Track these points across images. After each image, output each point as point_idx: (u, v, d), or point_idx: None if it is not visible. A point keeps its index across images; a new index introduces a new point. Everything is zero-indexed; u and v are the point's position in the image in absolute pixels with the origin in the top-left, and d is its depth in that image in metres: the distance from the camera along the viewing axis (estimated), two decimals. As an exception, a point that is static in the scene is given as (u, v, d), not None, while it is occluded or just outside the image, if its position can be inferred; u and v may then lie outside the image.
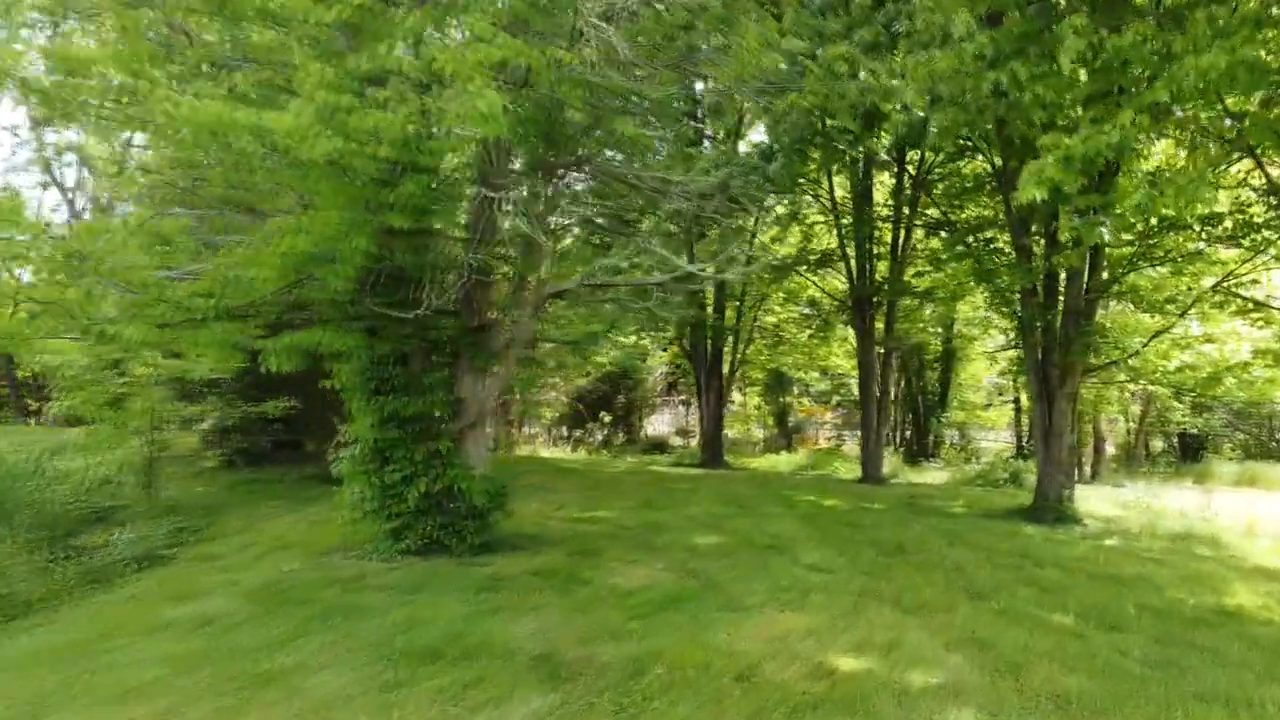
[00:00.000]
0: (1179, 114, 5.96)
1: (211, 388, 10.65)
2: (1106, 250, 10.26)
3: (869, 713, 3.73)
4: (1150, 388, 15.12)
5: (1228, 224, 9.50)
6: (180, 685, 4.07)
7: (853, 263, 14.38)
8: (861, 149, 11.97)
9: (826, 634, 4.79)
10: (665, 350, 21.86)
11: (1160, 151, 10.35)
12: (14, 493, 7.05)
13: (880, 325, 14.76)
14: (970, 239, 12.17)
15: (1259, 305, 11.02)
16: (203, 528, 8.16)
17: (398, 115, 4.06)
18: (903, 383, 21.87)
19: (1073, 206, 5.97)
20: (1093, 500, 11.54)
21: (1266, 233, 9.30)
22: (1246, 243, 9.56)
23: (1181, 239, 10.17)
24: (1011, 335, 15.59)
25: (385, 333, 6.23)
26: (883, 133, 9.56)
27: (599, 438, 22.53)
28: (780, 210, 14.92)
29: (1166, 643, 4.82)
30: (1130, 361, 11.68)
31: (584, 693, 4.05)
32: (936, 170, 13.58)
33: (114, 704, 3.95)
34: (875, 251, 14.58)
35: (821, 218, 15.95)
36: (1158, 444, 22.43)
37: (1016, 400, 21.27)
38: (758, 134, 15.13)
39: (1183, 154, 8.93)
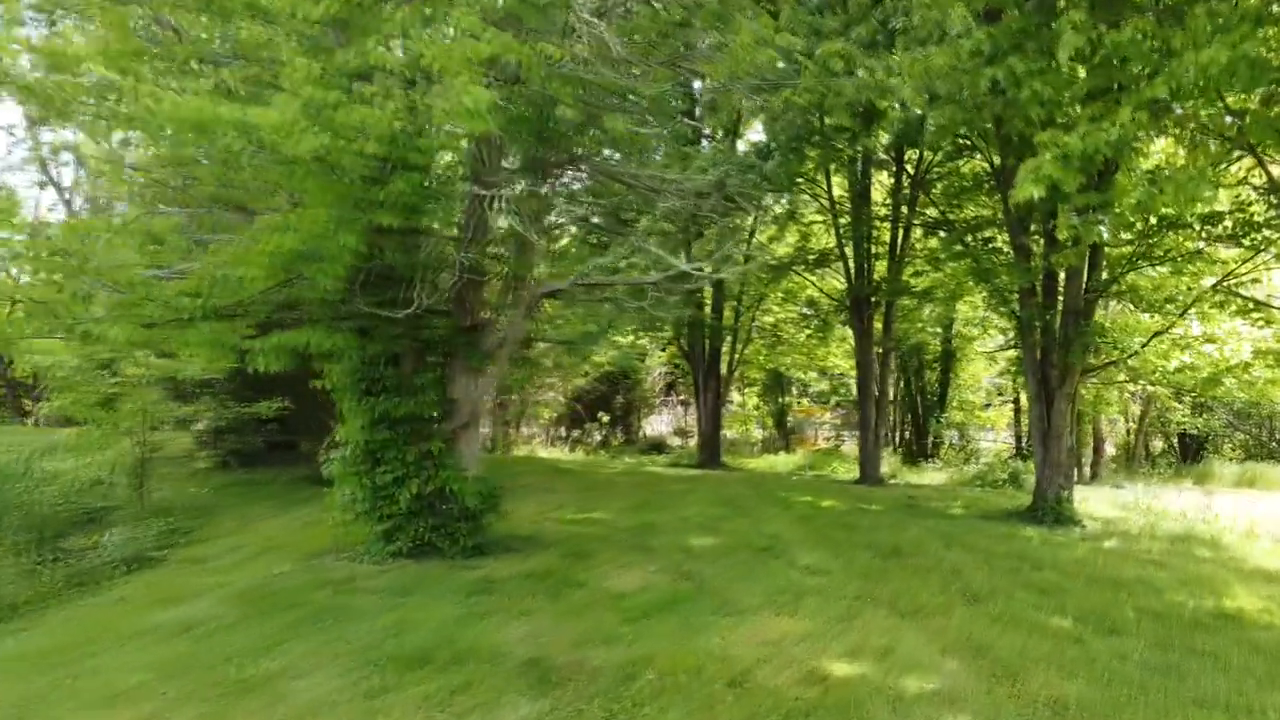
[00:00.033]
0: (1178, 111, 5.89)
1: (204, 388, 10.58)
2: (1106, 249, 10.19)
3: (862, 720, 3.66)
4: (1150, 388, 15.04)
5: (1228, 223, 9.41)
6: (163, 691, 4.01)
7: (851, 262, 14.30)
8: (859, 148, 11.89)
9: (821, 638, 4.73)
10: (664, 350, 21.78)
11: (1160, 151, 10.29)
12: (2, 494, 6.98)
13: (879, 325, 14.69)
14: (969, 238, 12.09)
15: (1259, 305, 10.94)
16: (194, 529, 8.10)
17: (385, 111, 3.98)
18: (902, 383, 21.80)
19: (1071, 205, 5.90)
20: (1092, 501, 11.47)
21: (1267, 232, 9.23)
22: (1247, 242, 9.48)
23: (1181, 238, 10.10)
24: (1010, 335, 15.52)
25: (376, 333, 6.16)
26: (881, 131, 9.50)
27: (597, 438, 22.45)
28: (778, 209, 14.85)
29: (1166, 647, 4.75)
30: (1130, 362, 11.60)
31: (574, 699, 3.99)
32: (935, 169, 13.51)
33: (97, 709, 3.89)
34: (873, 251, 14.50)
35: (820, 217, 15.88)
36: (1158, 444, 22.35)
37: (1016, 400, 21.20)
38: (756, 133, 15.10)
39: (1182, 153, 8.86)
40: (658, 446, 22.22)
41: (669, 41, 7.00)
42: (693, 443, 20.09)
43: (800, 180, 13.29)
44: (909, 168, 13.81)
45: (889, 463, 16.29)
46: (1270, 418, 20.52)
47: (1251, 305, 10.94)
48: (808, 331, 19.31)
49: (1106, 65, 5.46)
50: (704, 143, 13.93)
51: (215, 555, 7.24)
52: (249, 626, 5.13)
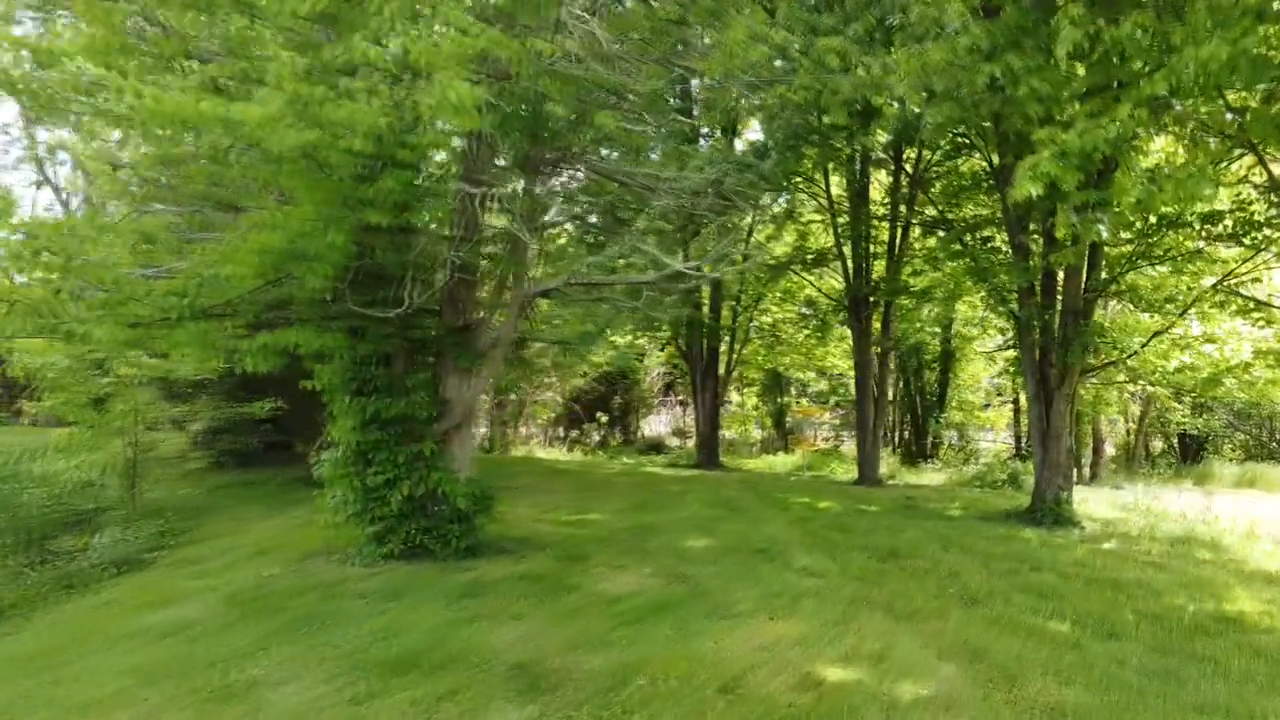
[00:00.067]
0: (1178, 108, 5.81)
1: (198, 389, 10.51)
2: (1105, 249, 10.13)
3: (856, 727, 3.60)
4: (1150, 388, 14.97)
5: (1228, 222, 9.35)
6: (142, 697, 3.93)
7: (849, 262, 14.24)
8: (857, 146, 11.83)
9: (815, 642, 4.66)
10: (662, 351, 21.71)
11: (1160, 150, 10.21)
12: (-10, 496, 6.93)
13: (877, 325, 14.62)
14: (968, 238, 12.02)
15: (1260, 305, 10.87)
16: (185, 531, 8.03)
17: (371, 107, 3.91)
18: (901, 383, 21.73)
19: (1070, 203, 5.83)
20: (1091, 502, 11.41)
21: (1268, 231, 9.16)
22: (1247, 241, 9.41)
23: (1181, 237, 10.03)
24: (1009, 335, 15.45)
25: (367, 332, 6.09)
26: (879, 130, 9.44)
27: (595, 438, 22.39)
28: (776, 209, 14.78)
29: (1165, 652, 4.68)
30: (1129, 362, 11.53)
31: (563, 705, 3.92)
32: (934, 168, 13.44)
33: (72, 717, 3.81)
34: (872, 250, 14.44)
35: (818, 216, 15.81)
36: (1157, 445, 22.28)
37: (1015, 401, 21.13)
38: (755, 132, 15.02)
39: (1182, 151, 8.78)
40: (656, 447, 22.15)
41: (664, 39, 6.93)
42: (691, 443, 20.03)
43: (798, 179, 13.23)
44: (907, 166, 13.74)
45: (888, 463, 16.22)
46: (1270, 418, 20.45)
47: (1252, 305, 10.87)
48: (806, 331, 19.25)
49: (1105, 62, 5.39)
50: (702, 142, 13.87)
51: (206, 557, 7.17)
52: (236, 630, 5.06)
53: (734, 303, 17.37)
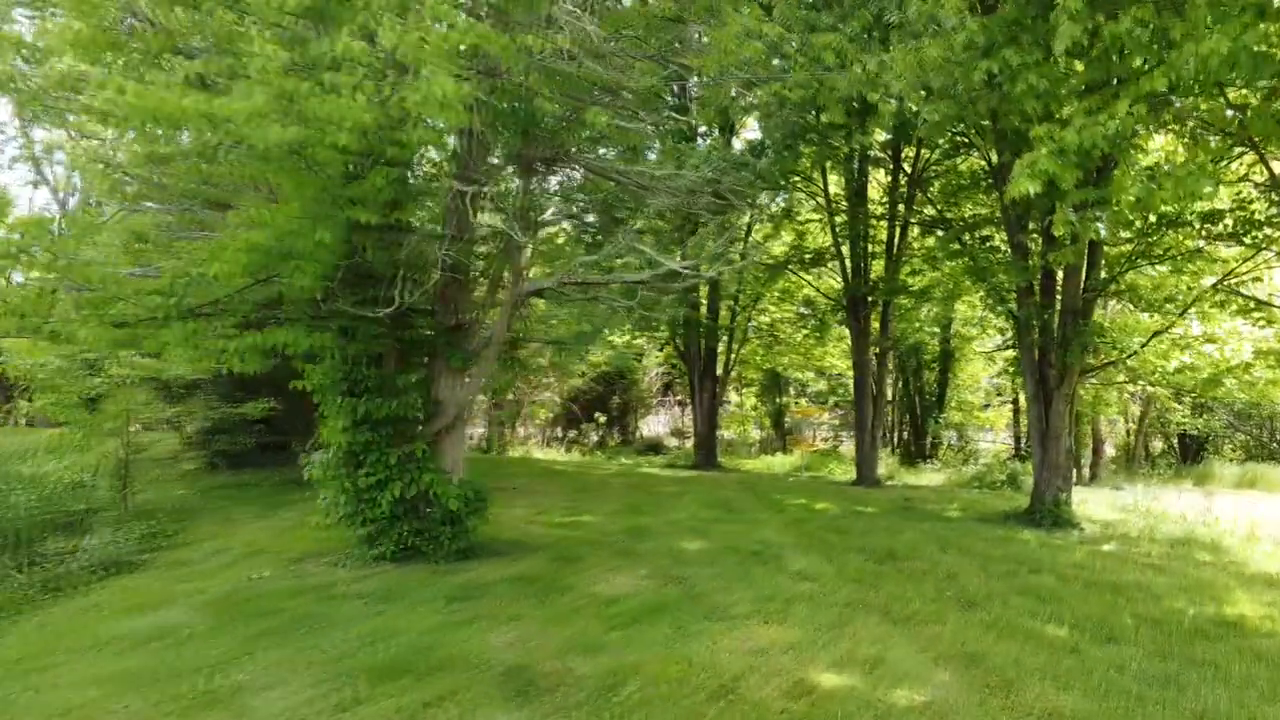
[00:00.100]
0: (1178, 105, 5.75)
1: (191, 389, 10.44)
2: (1104, 248, 10.06)
3: (849, 735, 3.53)
4: (1149, 388, 14.90)
5: (1228, 221, 9.29)
6: (123, 704, 3.86)
7: (847, 261, 14.17)
8: (855, 145, 11.76)
9: (809, 647, 4.59)
10: (661, 351, 21.64)
11: (1160, 149, 10.15)
12: (-22, 497, 6.85)
13: (876, 325, 14.56)
14: (966, 237, 11.96)
15: (1260, 304, 10.81)
16: (176, 532, 7.94)
17: (355, 102, 3.84)
18: (900, 383, 21.67)
19: (1068, 202, 5.77)
20: (1091, 503, 11.34)
21: (1268, 230, 9.09)
22: (1248, 240, 9.34)
23: (1181, 236, 9.96)
24: (1008, 335, 15.38)
25: (357, 332, 6.02)
26: (876, 128, 9.38)
27: (593, 439, 22.31)
28: (775, 208, 14.72)
29: (1165, 657, 4.61)
30: (1129, 362, 11.47)
31: (556, 710, 3.85)
32: (933, 167, 13.37)
33: (45, 727, 3.74)
34: (870, 250, 14.37)
35: (816, 215, 15.74)
36: (1157, 445, 22.21)
37: (1015, 401, 21.06)
38: (753, 131, 14.94)
39: (1182, 150, 8.72)
40: (654, 447, 22.08)
41: (660, 35, 6.87)
42: (690, 443, 19.96)
43: (796, 178, 13.17)
44: (906, 165, 13.68)
45: (886, 464, 16.16)
46: (1271, 418, 20.38)
47: (1252, 304, 10.81)
48: (804, 331, 19.18)
49: (1104, 58, 5.33)
50: (700, 141, 13.81)
51: (196, 559, 7.09)
52: (223, 634, 4.98)
53: (732, 302, 17.31)
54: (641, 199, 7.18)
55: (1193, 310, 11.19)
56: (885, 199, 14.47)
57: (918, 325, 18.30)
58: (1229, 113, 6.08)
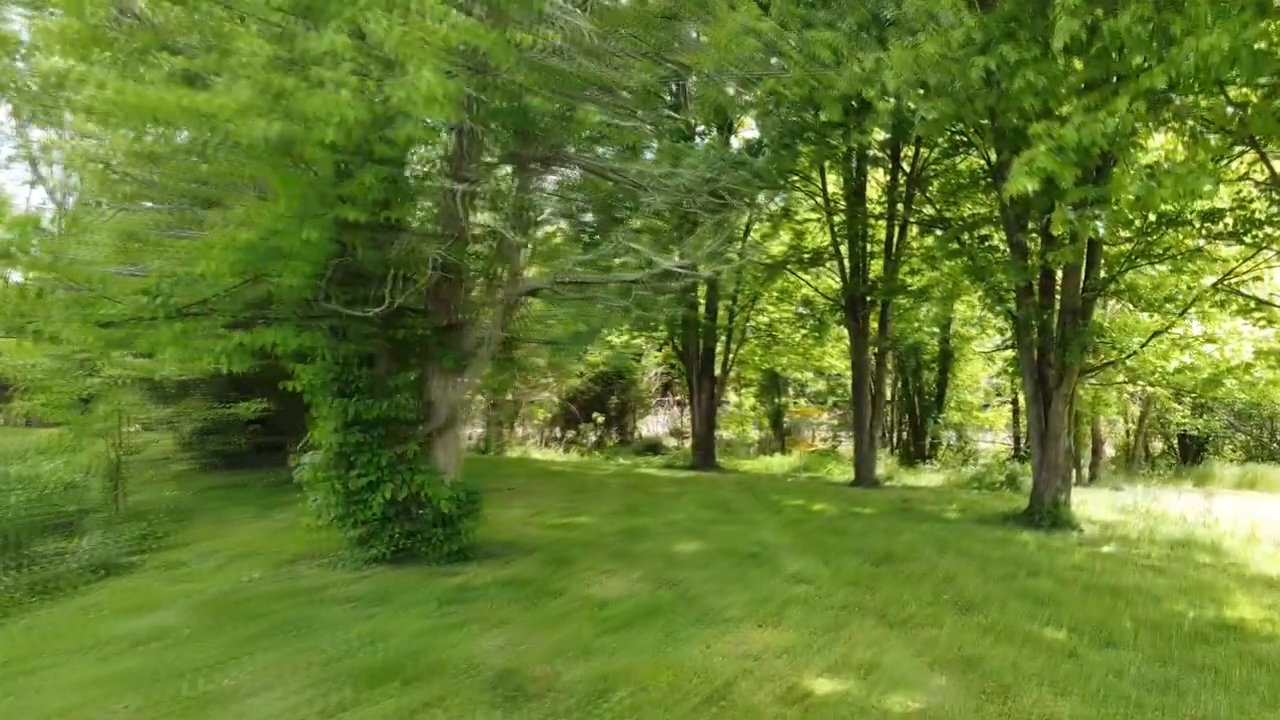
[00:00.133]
0: (1178, 102, 5.68)
1: (185, 389, 10.38)
2: (1104, 247, 10.00)
3: (843, 742, 3.47)
4: (1149, 389, 14.84)
5: (1229, 220, 9.22)
6: (106, 710, 3.80)
7: (846, 261, 14.11)
8: (854, 144, 11.69)
9: (804, 652, 4.53)
10: (660, 350, 21.58)
11: (1159, 147, 10.08)
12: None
13: (874, 324, 14.50)
14: (965, 236, 11.89)
15: (1261, 304, 10.74)
16: (169, 534, 7.88)
17: (341, 97, 3.78)
18: (899, 383, 21.61)
19: (1067, 200, 5.71)
20: (1090, 504, 11.28)
21: (1269, 229, 9.03)
22: (1248, 239, 9.28)
23: (1181, 235, 9.90)
24: (1007, 335, 15.31)
25: (349, 332, 5.96)
26: (873, 127, 9.32)
27: (592, 439, 22.26)
28: (773, 207, 14.65)
29: (1165, 661, 4.55)
30: (1129, 362, 11.40)
31: (545, 716, 3.80)
32: (932, 167, 13.31)
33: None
34: (869, 249, 14.31)
35: (814, 215, 15.68)
36: (1157, 445, 22.15)
37: (1014, 401, 21.00)
38: (752, 131, 14.88)
39: (1182, 149, 8.66)
40: (653, 447, 22.02)
41: (655, 33, 6.81)
42: (689, 444, 19.90)
43: (794, 177, 13.10)
44: (905, 165, 13.61)
45: (885, 464, 16.10)
46: (1271, 419, 20.32)
47: (1253, 304, 10.74)
48: (803, 331, 19.12)
49: (1103, 55, 5.26)
50: (699, 140, 13.75)
51: (189, 561, 7.03)
52: (212, 637, 4.93)
53: (730, 302, 17.25)
54: (635, 197, 7.10)
55: (1193, 310, 11.12)
56: (884, 198, 14.40)
57: (917, 325, 18.24)
58: (1229, 110, 6.00)
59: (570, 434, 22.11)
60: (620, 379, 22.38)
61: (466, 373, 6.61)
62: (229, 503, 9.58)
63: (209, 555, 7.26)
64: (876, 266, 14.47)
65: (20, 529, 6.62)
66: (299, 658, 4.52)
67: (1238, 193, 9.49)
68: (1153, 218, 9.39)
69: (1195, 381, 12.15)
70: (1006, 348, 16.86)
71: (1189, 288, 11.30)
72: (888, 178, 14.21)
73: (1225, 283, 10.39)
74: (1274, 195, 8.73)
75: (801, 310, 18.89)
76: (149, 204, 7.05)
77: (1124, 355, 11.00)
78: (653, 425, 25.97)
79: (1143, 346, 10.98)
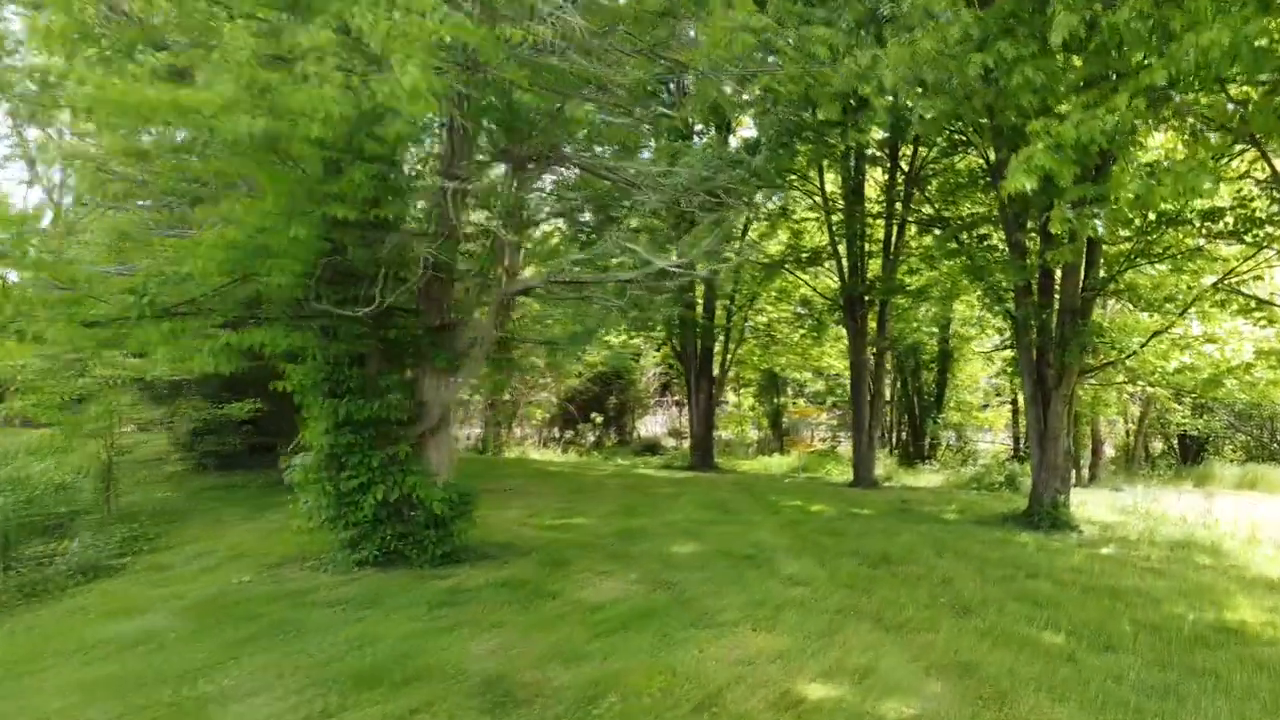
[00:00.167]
0: (1178, 99, 5.62)
1: (178, 390, 10.31)
2: (1103, 246, 9.92)
3: (836, 750, 3.40)
4: (1149, 389, 14.76)
5: (1229, 219, 9.15)
6: (90, 715, 3.73)
7: (844, 260, 14.04)
8: (852, 143, 11.62)
9: (798, 656, 4.46)
10: (658, 350, 21.51)
11: (1159, 146, 10.02)
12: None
13: (873, 324, 14.42)
14: (964, 236, 11.82)
15: (1261, 304, 10.67)
16: (160, 535, 7.82)
17: (325, 92, 3.72)
18: (899, 383, 21.54)
19: (1066, 199, 5.64)
20: (1090, 505, 11.22)
21: (1269, 228, 8.96)
22: (1249, 238, 9.20)
23: (1181, 235, 9.83)
24: (1006, 335, 15.25)
25: (339, 332, 5.89)
26: (870, 124, 9.25)
27: (590, 439, 22.18)
28: (771, 206, 14.59)
29: (1164, 666, 4.48)
30: (1128, 362, 11.33)
31: (531, 723, 3.73)
32: (930, 166, 13.24)
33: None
34: (867, 249, 14.24)
35: (812, 214, 15.61)
36: (1157, 446, 22.08)
37: (1014, 401, 20.92)
38: (751, 130, 14.81)
39: (1182, 148, 8.59)
40: (652, 447, 21.94)
41: (649, 30, 6.74)
42: (687, 444, 19.83)
43: (792, 176, 13.03)
44: (903, 164, 13.55)
45: (884, 464, 16.03)
46: (1272, 419, 20.25)
47: (1253, 304, 10.66)
48: (802, 331, 19.05)
49: (1102, 51, 5.20)
50: (697, 140, 13.68)
51: (178, 563, 6.97)
52: (201, 640, 4.87)
53: (728, 302, 17.18)
54: (629, 196, 7.03)
55: (1193, 310, 11.05)
56: (882, 197, 14.33)
57: (915, 325, 18.17)
58: (1230, 107, 5.94)
59: (569, 434, 22.03)
60: (619, 379, 22.30)
61: (460, 373, 6.54)
62: (222, 504, 9.51)
63: (199, 557, 7.20)
64: (875, 266, 14.40)
65: (9, 531, 6.54)
66: (287, 661, 4.45)
67: (1238, 191, 9.42)
68: (1152, 217, 9.33)
69: (1195, 382, 12.08)
70: (1005, 348, 16.81)
71: (1189, 287, 11.23)
72: (886, 177, 14.14)
73: (1225, 282, 10.31)
74: (1275, 193, 8.66)
75: (800, 310, 18.81)
76: (140, 203, 6.99)
77: (1124, 355, 10.93)
78: (651, 425, 25.89)
79: (1142, 346, 10.91)
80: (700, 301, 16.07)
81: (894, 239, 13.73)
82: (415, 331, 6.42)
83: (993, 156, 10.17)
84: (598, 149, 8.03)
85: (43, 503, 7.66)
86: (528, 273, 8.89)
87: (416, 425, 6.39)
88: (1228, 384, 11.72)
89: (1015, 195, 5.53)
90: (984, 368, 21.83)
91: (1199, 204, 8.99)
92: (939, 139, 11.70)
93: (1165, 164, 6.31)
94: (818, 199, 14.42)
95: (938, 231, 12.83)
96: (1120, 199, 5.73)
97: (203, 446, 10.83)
